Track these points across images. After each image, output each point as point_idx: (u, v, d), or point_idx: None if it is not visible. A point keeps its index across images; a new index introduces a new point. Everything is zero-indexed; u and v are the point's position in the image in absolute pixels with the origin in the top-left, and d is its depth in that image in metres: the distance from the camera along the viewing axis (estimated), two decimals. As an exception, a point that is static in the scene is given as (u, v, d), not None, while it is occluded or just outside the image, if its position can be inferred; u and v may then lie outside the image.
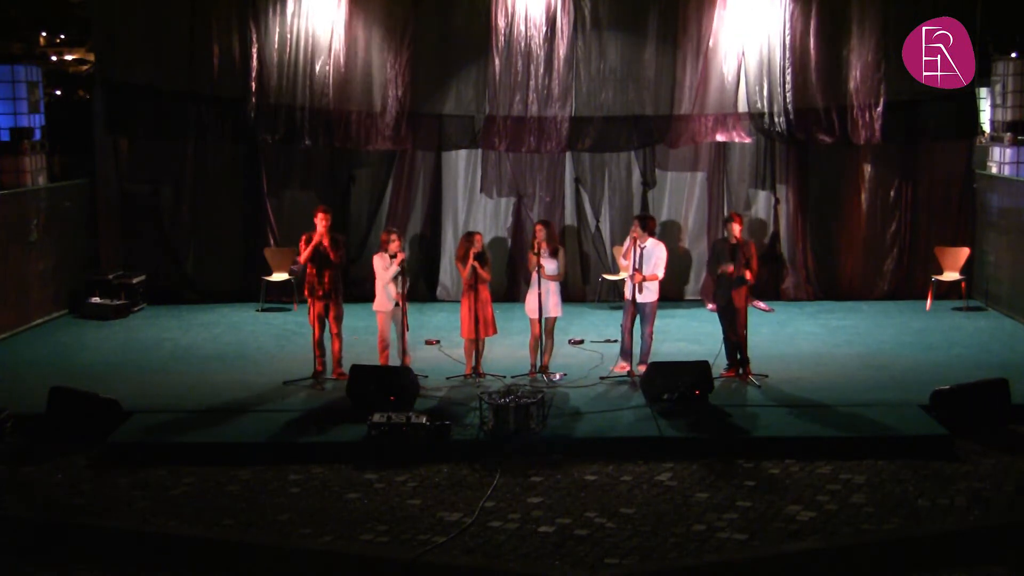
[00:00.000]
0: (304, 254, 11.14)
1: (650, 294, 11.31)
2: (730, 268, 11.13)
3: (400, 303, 11.18)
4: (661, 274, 11.37)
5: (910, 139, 15.09)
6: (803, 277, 15.46)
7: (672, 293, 15.43)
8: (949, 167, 15.34)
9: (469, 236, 11.42)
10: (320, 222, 11.17)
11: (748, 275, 11.18)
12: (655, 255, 11.28)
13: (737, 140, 14.96)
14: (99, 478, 9.16)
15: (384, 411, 9.69)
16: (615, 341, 12.03)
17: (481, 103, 14.91)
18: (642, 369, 11.17)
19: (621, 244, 11.67)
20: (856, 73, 14.79)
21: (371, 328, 11.69)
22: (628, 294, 11.31)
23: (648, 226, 11.48)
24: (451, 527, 8.05)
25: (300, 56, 14.76)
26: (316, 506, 8.52)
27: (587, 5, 14.73)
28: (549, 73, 14.75)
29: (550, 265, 11.20)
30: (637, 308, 11.28)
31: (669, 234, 15.44)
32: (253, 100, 14.73)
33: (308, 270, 11.26)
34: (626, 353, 11.46)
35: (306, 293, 11.31)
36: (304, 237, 11.23)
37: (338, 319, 11.35)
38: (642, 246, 11.26)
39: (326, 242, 11.11)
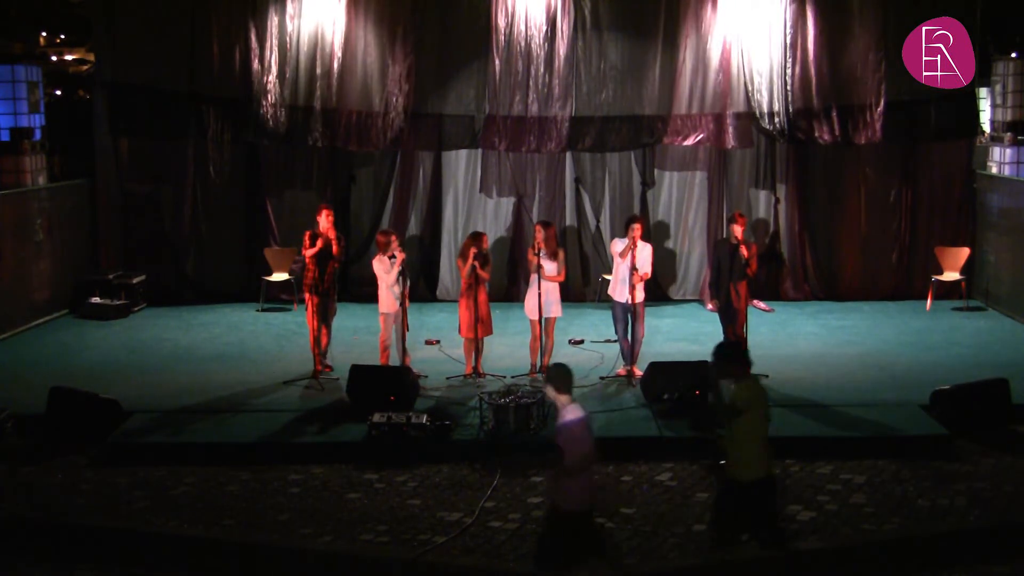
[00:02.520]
0: (312, 251, 11.17)
1: (641, 294, 11.33)
2: (748, 249, 11.13)
3: (403, 303, 11.20)
4: (650, 272, 11.47)
5: (910, 139, 15.10)
6: (803, 277, 15.46)
7: (670, 293, 15.48)
8: (949, 167, 15.33)
9: (476, 236, 11.43)
10: (324, 219, 11.25)
11: (750, 268, 11.19)
12: (643, 255, 11.31)
13: (737, 148, 14.98)
14: (99, 478, 9.16)
15: (384, 411, 9.69)
16: (614, 341, 12.03)
17: (481, 103, 14.91)
18: (635, 370, 11.21)
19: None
20: (856, 73, 14.79)
21: (371, 328, 11.70)
22: (623, 297, 11.28)
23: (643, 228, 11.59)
24: (451, 527, 8.06)
25: (300, 56, 14.76)
26: (316, 506, 8.52)
27: (587, 5, 14.73)
28: (549, 73, 14.75)
29: (550, 266, 11.20)
30: (631, 309, 11.27)
31: (668, 234, 15.45)
32: (253, 100, 14.73)
33: (309, 267, 11.28)
34: (627, 356, 11.46)
35: (306, 290, 11.33)
36: (308, 233, 11.29)
37: (333, 315, 11.51)
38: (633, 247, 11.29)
39: (332, 238, 11.17)
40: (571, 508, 6.75)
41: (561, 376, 6.86)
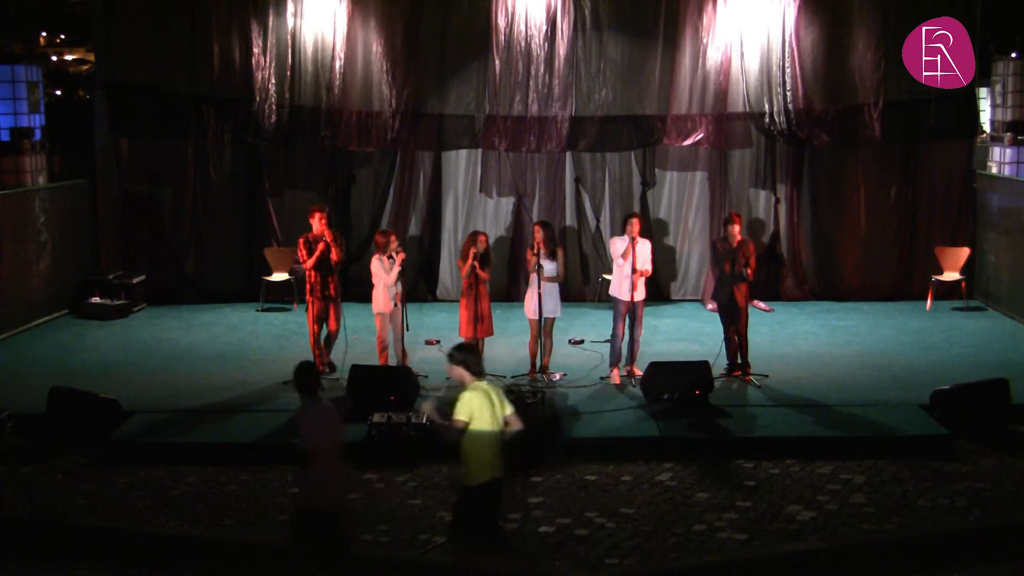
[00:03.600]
0: (310, 262, 11.12)
1: (642, 292, 11.31)
2: (727, 267, 11.17)
3: (399, 303, 11.20)
4: (651, 268, 11.49)
5: (910, 139, 15.10)
6: (802, 277, 15.46)
7: (669, 292, 15.49)
8: (949, 167, 15.32)
9: (474, 235, 11.42)
10: (317, 223, 11.19)
11: (748, 272, 11.18)
12: (643, 251, 11.29)
13: (737, 148, 15.00)
14: (99, 478, 9.16)
15: (384, 411, 9.69)
16: (607, 341, 12.02)
17: (481, 103, 14.92)
18: (635, 370, 11.21)
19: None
20: (856, 73, 14.79)
21: (370, 328, 11.70)
22: (625, 295, 11.25)
23: (642, 224, 11.56)
24: (451, 527, 8.05)
25: (300, 56, 14.78)
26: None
27: (587, 5, 14.73)
28: (549, 73, 14.75)
29: (549, 266, 11.19)
30: (632, 308, 11.25)
31: (669, 233, 15.45)
32: (253, 100, 14.74)
33: (310, 272, 11.24)
34: (619, 360, 11.44)
35: (308, 293, 11.30)
36: (302, 240, 11.22)
37: (339, 319, 11.42)
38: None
39: (330, 240, 11.14)
40: (318, 506, 6.65)
41: (300, 374, 6.76)
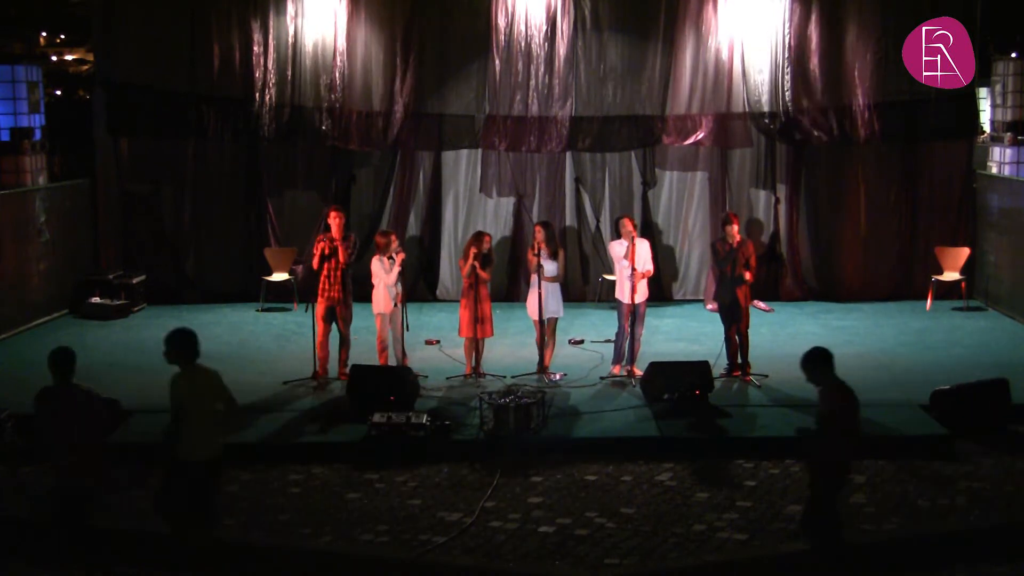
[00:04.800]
0: (313, 262, 11.10)
1: (643, 292, 11.32)
2: (728, 269, 11.20)
3: (399, 304, 11.20)
4: (652, 268, 11.53)
5: (910, 139, 15.10)
6: (802, 277, 15.46)
7: (671, 293, 15.49)
8: (949, 167, 15.32)
9: (478, 236, 11.40)
10: (334, 221, 11.20)
11: (748, 275, 11.21)
12: (642, 252, 11.30)
13: (737, 148, 15.01)
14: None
15: (384, 411, 9.69)
16: (609, 341, 12.02)
17: (481, 103, 14.93)
18: (635, 370, 11.21)
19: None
20: (856, 73, 14.80)
21: (371, 328, 11.69)
22: (627, 297, 11.26)
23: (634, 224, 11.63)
24: (451, 527, 8.06)
25: (300, 56, 14.80)
26: (316, 506, 8.53)
27: (587, 5, 14.75)
28: (549, 73, 14.77)
29: (550, 266, 11.19)
30: (634, 308, 11.26)
31: (669, 234, 15.45)
32: (253, 100, 14.75)
33: (320, 271, 11.22)
34: (623, 356, 11.45)
35: (319, 293, 11.25)
36: (319, 238, 11.22)
37: (347, 321, 11.37)
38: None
39: (338, 241, 11.13)
40: (72, 485, 7.16)
41: (51, 357, 7.33)
